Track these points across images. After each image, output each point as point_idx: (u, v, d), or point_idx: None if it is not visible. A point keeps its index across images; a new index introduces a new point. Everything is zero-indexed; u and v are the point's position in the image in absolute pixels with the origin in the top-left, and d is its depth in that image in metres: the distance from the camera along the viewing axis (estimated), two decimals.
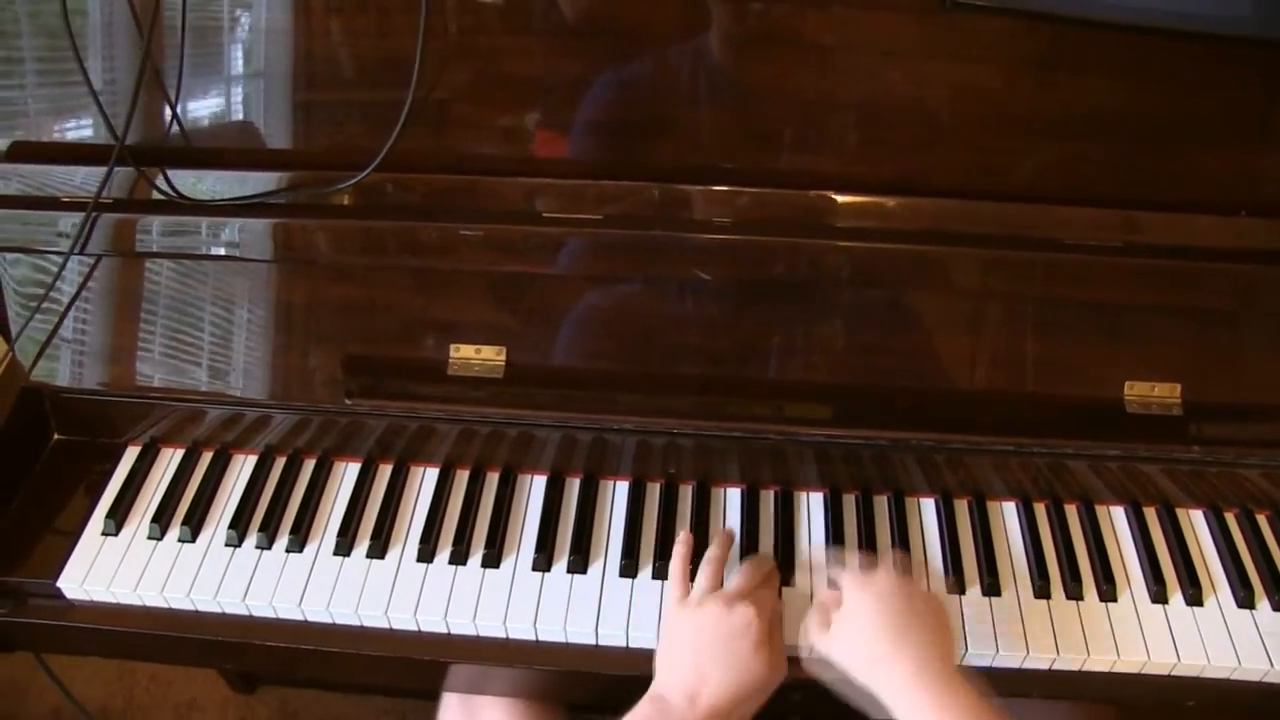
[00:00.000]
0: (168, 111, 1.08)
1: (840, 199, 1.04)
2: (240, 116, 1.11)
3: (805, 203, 1.04)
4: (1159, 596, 1.05)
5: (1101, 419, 1.06)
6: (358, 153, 1.04)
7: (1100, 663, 1.01)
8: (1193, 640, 1.02)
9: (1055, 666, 1.02)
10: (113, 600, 1.06)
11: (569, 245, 1.05)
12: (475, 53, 1.05)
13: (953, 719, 0.86)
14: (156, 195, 1.07)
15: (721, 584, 0.99)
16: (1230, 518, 1.12)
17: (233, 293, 1.10)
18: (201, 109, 1.10)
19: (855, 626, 0.93)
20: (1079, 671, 1.02)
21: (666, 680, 0.94)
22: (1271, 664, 1.00)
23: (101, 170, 1.04)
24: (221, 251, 1.09)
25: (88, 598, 1.06)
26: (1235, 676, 1.01)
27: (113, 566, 1.07)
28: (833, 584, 1.00)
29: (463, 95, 1.06)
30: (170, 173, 1.07)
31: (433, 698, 1.18)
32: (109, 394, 1.13)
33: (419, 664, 1.05)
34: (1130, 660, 1.01)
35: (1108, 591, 1.05)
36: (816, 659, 0.95)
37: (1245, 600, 1.05)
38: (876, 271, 1.06)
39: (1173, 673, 1.02)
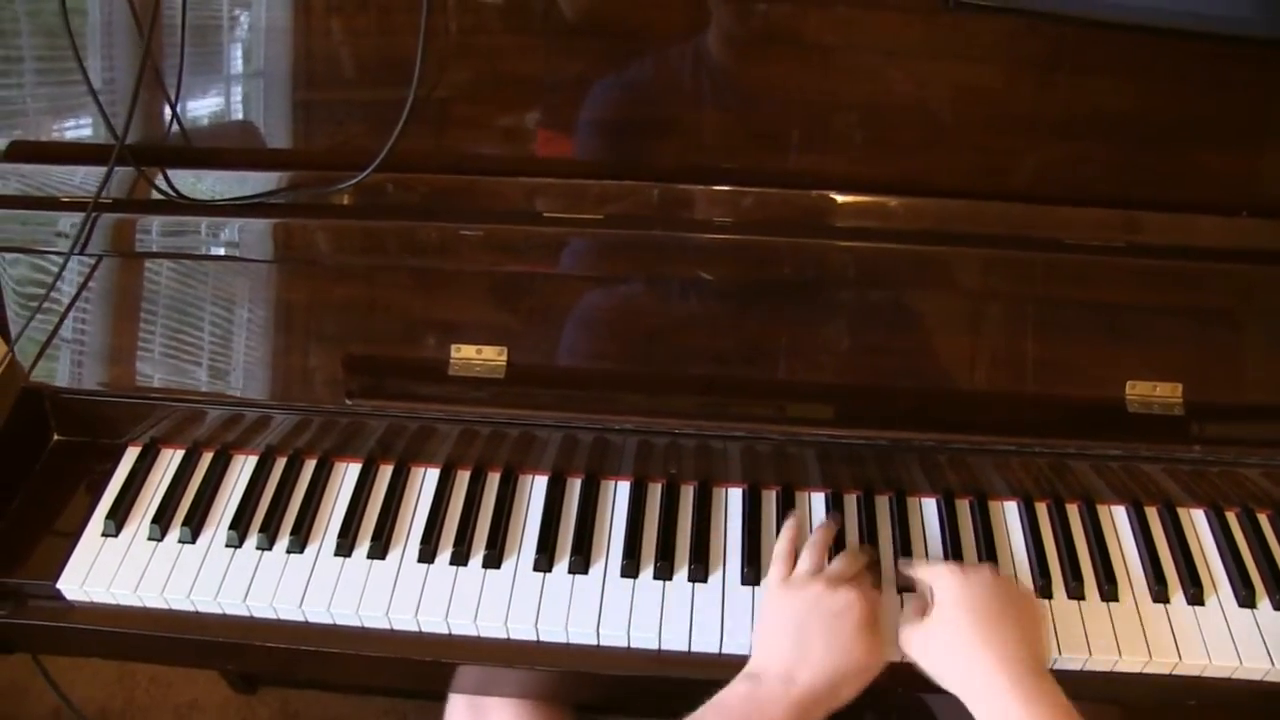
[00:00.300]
0: (168, 111, 1.08)
1: (841, 199, 1.04)
2: (240, 116, 1.10)
3: (806, 203, 1.04)
4: (1160, 596, 1.05)
5: (1103, 419, 1.06)
6: (358, 153, 1.03)
7: (1102, 662, 1.01)
8: (1194, 639, 1.02)
9: (1057, 666, 1.02)
10: (113, 601, 1.06)
11: (570, 245, 1.05)
12: (476, 52, 1.05)
13: (1034, 711, 0.85)
14: (156, 195, 1.06)
15: (823, 569, 1.00)
16: (1231, 517, 1.12)
17: (233, 293, 1.09)
18: (201, 108, 1.10)
19: (947, 619, 0.93)
20: (1081, 671, 1.02)
21: (763, 660, 0.93)
22: (1273, 663, 1.00)
23: (101, 170, 1.04)
24: (221, 251, 1.09)
25: (88, 599, 1.06)
26: (1237, 676, 1.01)
27: (113, 568, 1.06)
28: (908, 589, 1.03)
29: (463, 95, 1.06)
30: (170, 172, 1.07)
31: (435, 698, 1.18)
32: (109, 394, 1.12)
33: (420, 665, 1.05)
34: (1132, 660, 1.01)
35: (1109, 591, 1.05)
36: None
37: (1246, 599, 1.05)
38: (878, 272, 1.06)
39: (1174, 672, 1.02)
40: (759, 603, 1.04)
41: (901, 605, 1.03)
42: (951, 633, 0.92)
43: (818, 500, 1.12)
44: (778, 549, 1.02)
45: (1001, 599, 0.94)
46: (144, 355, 1.10)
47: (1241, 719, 1.10)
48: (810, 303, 1.07)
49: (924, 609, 0.97)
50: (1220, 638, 1.02)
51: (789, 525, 1.04)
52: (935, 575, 0.97)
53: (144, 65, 0.96)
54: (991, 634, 0.90)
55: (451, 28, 1.04)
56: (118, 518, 1.10)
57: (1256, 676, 1.01)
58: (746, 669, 0.93)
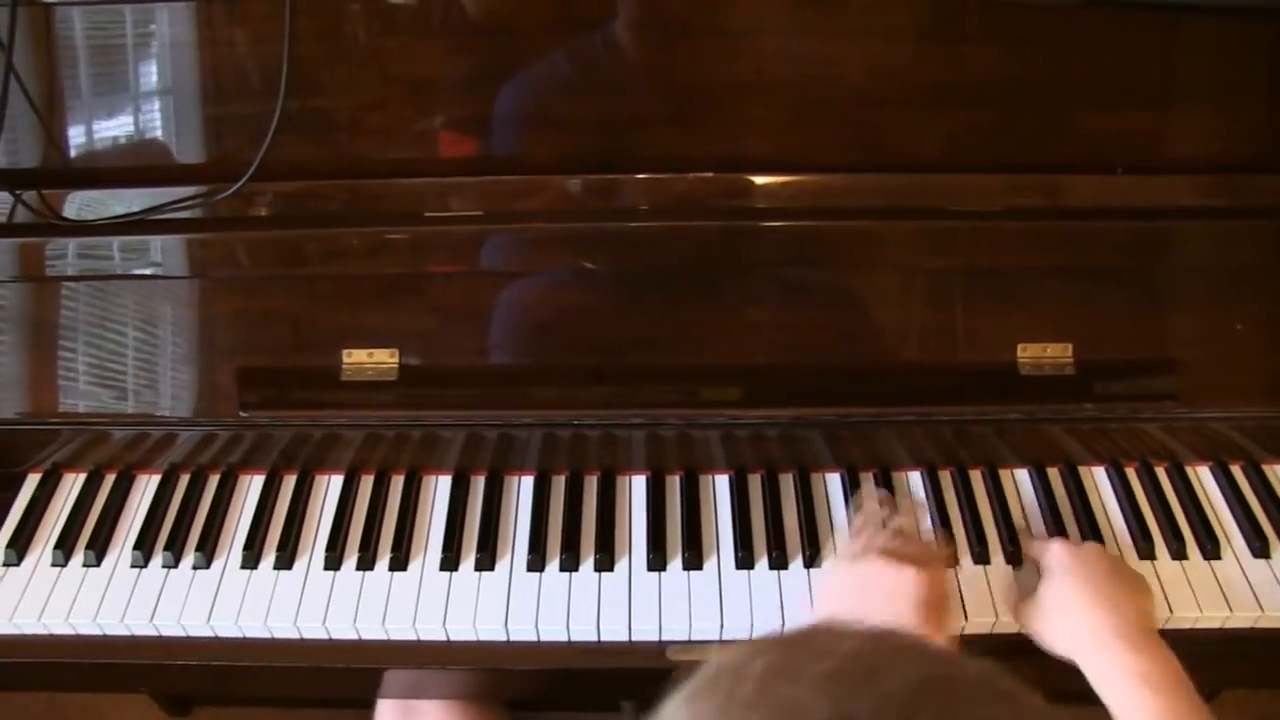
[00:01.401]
0: (47, 133, 1.07)
1: (721, 179, 1.05)
2: (125, 133, 1.10)
3: (687, 186, 1.05)
4: None
5: (997, 383, 1.07)
6: (241, 164, 1.03)
7: (1009, 624, 1.02)
8: None
9: (965, 631, 1.03)
10: (16, 632, 1.04)
11: (453, 244, 1.05)
12: (358, 54, 1.05)
13: (1152, 679, 0.86)
14: (33, 218, 1.05)
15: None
16: (1131, 472, 1.13)
17: (122, 312, 1.08)
18: (82, 128, 1.09)
19: (1057, 585, 0.95)
20: (989, 634, 1.02)
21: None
22: (1171, 611, 1.01)
23: None
24: (109, 271, 1.08)
25: None
26: None
27: (14, 598, 1.05)
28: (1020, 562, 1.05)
29: (342, 99, 1.06)
30: (54, 194, 1.06)
31: (369, 706, 1.17)
32: (5, 423, 1.11)
33: (338, 672, 1.05)
34: None
35: (1012, 554, 1.06)
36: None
37: (1147, 552, 1.06)
38: (763, 251, 1.07)
39: None
40: (664, 588, 1.04)
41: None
42: (1063, 597, 0.95)
43: (721, 482, 1.12)
44: (854, 524, 1.03)
45: (1108, 566, 0.97)
46: (38, 381, 1.09)
47: None
48: (701, 286, 1.07)
49: (1033, 583, 0.99)
50: None
51: (867, 497, 1.06)
52: (1045, 549, 1.00)
53: (5, 85, 0.94)
54: (1102, 596, 0.93)
55: (333, 31, 1.04)
56: (19, 546, 1.08)
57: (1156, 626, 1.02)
58: None
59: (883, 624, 0.87)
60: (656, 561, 1.05)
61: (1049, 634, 0.95)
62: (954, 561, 1.06)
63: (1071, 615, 0.94)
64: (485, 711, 1.17)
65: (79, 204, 1.07)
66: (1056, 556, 0.98)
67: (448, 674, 1.06)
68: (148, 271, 1.07)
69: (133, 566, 1.07)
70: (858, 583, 0.95)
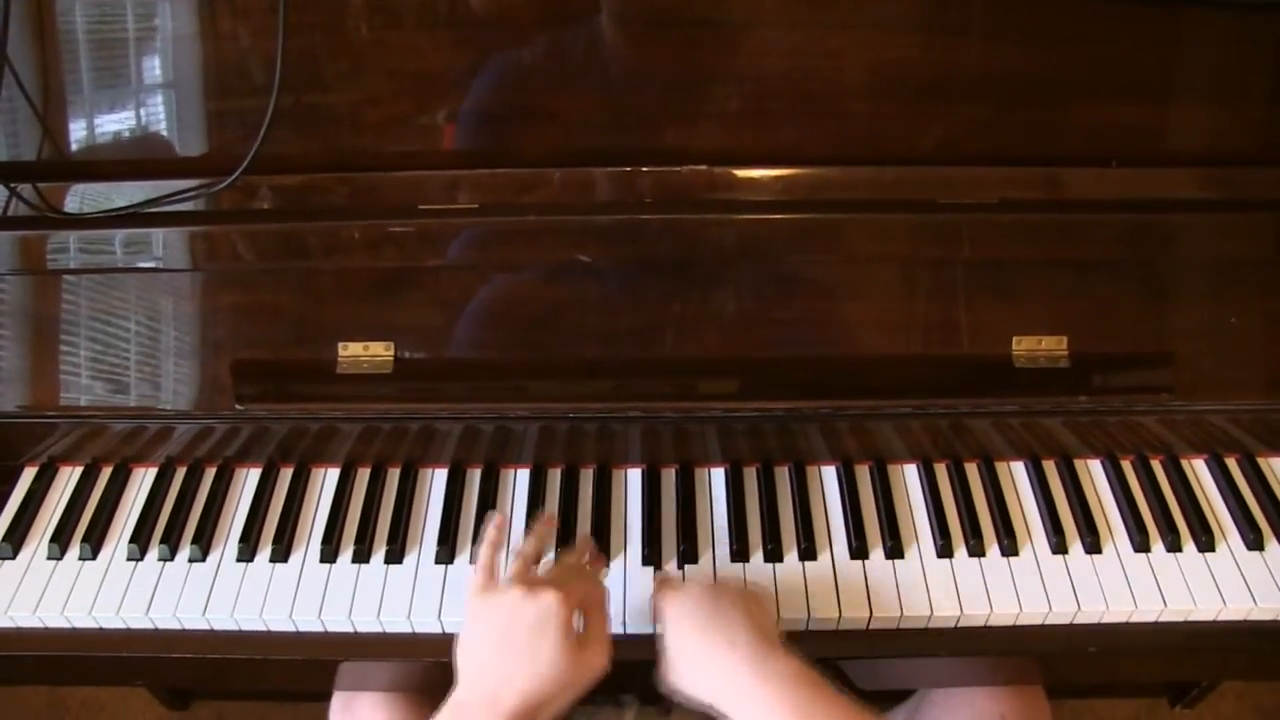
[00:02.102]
0: (45, 124, 1.07)
1: (717, 173, 1.05)
2: (123, 126, 1.10)
3: (682, 179, 1.05)
4: (1059, 547, 1.06)
5: (992, 376, 1.07)
6: (236, 158, 1.03)
7: (1004, 617, 1.03)
8: (1093, 588, 1.04)
9: (961, 624, 1.03)
10: (11, 625, 1.04)
11: (449, 236, 1.05)
12: (352, 48, 1.05)
13: (772, 688, 0.85)
14: (30, 211, 1.05)
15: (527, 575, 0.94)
16: (1126, 464, 1.13)
17: (120, 305, 1.08)
18: (77, 121, 1.09)
19: (674, 639, 0.91)
20: (984, 628, 1.03)
21: (466, 683, 0.87)
22: (1165, 604, 1.02)
23: None
24: (105, 264, 1.08)
25: None
26: (1134, 619, 1.03)
27: (10, 591, 1.05)
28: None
29: (336, 93, 1.06)
30: (51, 186, 1.06)
31: (324, 698, 1.17)
32: (4, 416, 1.11)
33: (335, 665, 1.05)
34: (1033, 612, 1.02)
35: (1009, 546, 1.06)
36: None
37: (1141, 545, 1.06)
38: (762, 244, 1.07)
39: (1074, 620, 1.03)
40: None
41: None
42: (683, 649, 0.90)
43: (717, 475, 1.12)
44: (479, 556, 0.94)
45: (713, 599, 0.92)
46: (36, 374, 1.09)
47: (1143, 662, 1.11)
48: (699, 278, 1.07)
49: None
50: (1117, 585, 1.04)
51: (492, 527, 0.97)
52: (658, 603, 0.94)
53: None
54: (716, 633, 0.89)
55: (330, 24, 1.04)
56: (14, 540, 1.08)
57: (1151, 618, 1.03)
58: (452, 696, 0.87)
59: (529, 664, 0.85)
60: (652, 555, 1.05)
61: (684, 687, 0.89)
62: (603, 562, 1.04)
63: (694, 663, 0.89)
64: (419, 701, 1.12)
65: (77, 197, 1.07)
66: (664, 605, 0.93)
67: (420, 664, 1.05)
68: (144, 264, 1.07)
69: (128, 560, 1.08)
70: (497, 621, 0.88)
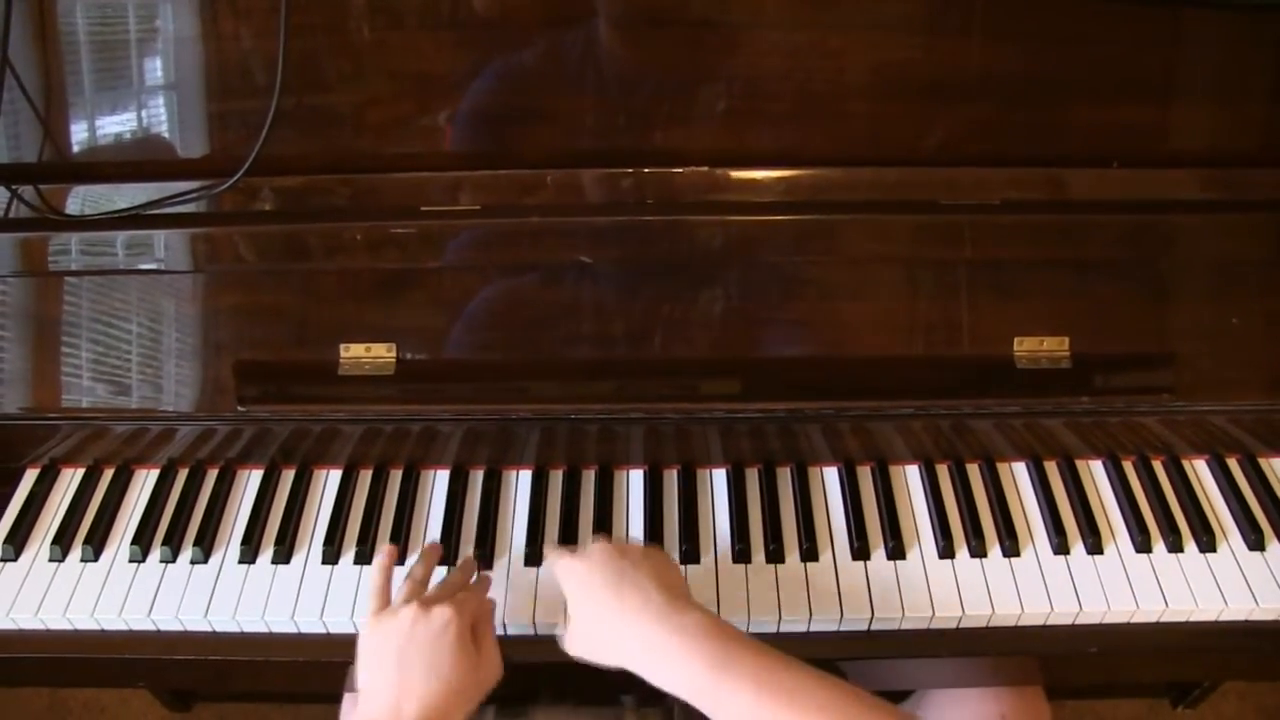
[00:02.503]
0: (46, 126, 1.07)
1: (719, 174, 1.05)
2: (124, 128, 1.10)
3: (684, 180, 1.05)
4: (1061, 548, 1.07)
5: (994, 376, 1.07)
6: (237, 160, 1.03)
7: (1005, 617, 1.03)
8: (1094, 588, 1.04)
9: (962, 624, 1.03)
10: (14, 627, 1.04)
11: (450, 237, 1.05)
12: (353, 49, 1.05)
13: (686, 639, 0.84)
14: (32, 213, 1.05)
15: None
16: (1128, 465, 1.13)
17: (122, 307, 1.08)
18: (83, 122, 1.09)
19: (582, 605, 0.91)
20: (985, 628, 1.03)
21: (368, 698, 0.89)
22: (1167, 605, 1.02)
23: None
24: (107, 266, 1.08)
25: None
26: (1135, 620, 1.03)
27: (12, 593, 1.05)
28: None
29: (337, 93, 1.06)
30: (52, 188, 1.07)
31: (335, 700, 1.17)
32: (3, 418, 1.10)
33: (338, 667, 1.03)
34: (1035, 613, 1.02)
35: (1010, 547, 1.06)
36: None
37: (1143, 545, 1.07)
38: (764, 245, 1.07)
39: (1076, 621, 1.03)
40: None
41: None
42: (593, 615, 0.90)
43: (719, 476, 1.13)
44: (370, 582, 0.97)
45: (619, 559, 0.91)
46: (38, 376, 1.09)
47: (1145, 663, 1.11)
48: (700, 279, 1.07)
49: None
50: (1119, 585, 1.04)
51: (381, 553, 0.99)
52: (558, 570, 0.94)
53: (0, 78, 0.94)
54: (626, 593, 0.88)
55: (332, 25, 1.04)
56: (16, 541, 1.08)
57: (1152, 619, 1.03)
58: (356, 712, 0.89)
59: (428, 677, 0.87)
60: None
61: (605, 656, 0.89)
62: (489, 581, 1.03)
63: (606, 625, 0.88)
64: None
65: (79, 198, 1.07)
66: (566, 571, 0.93)
67: None
68: (145, 266, 1.07)
69: (131, 561, 1.08)
70: (393, 641, 0.89)
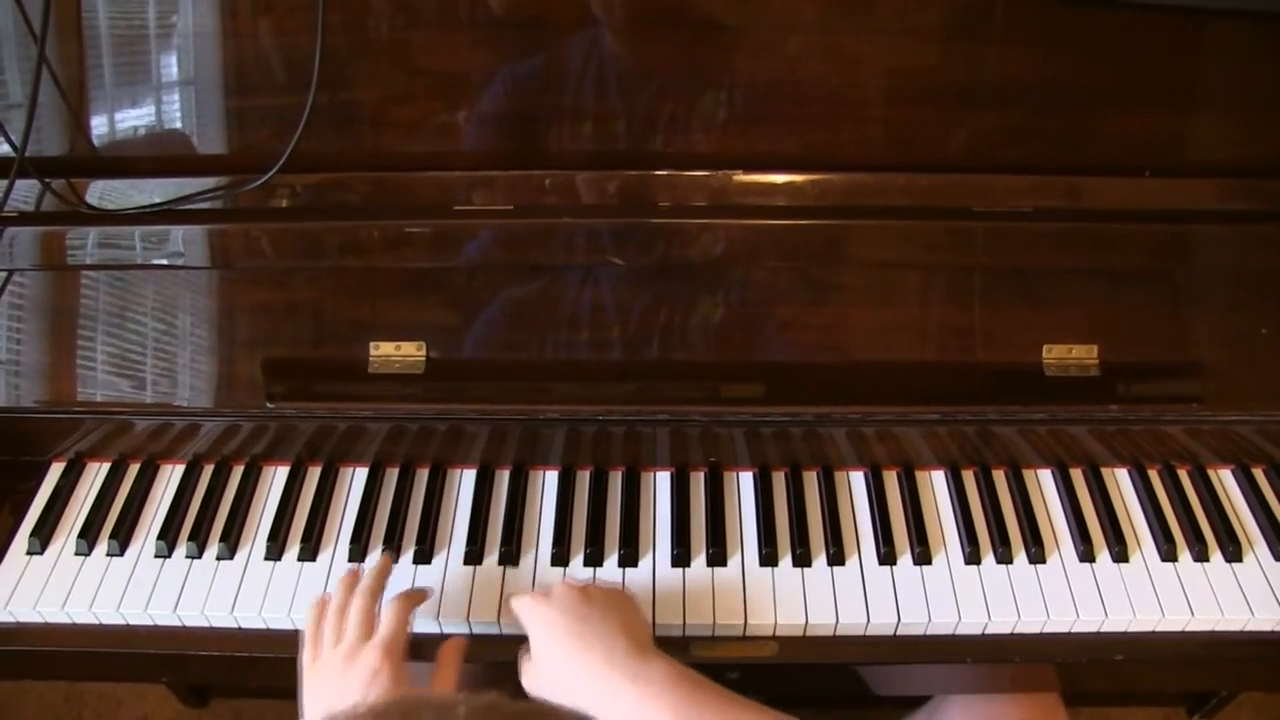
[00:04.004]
0: (74, 121, 1.07)
1: (749, 178, 1.05)
2: (150, 123, 1.10)
3: (715, 183, 1.05)
4: (1086, 555, 1.07)
5: (1022, 384, 1.07)
6: (270, 156, 1.03)
7: (1031, 624, 1.03)
8: (1119, 596, 1.04)
9: (988, 631, 1.03)
10: (40, 620, 1.04)
11: (483, 237, 1.05)
12: (385, 48, 1.05)
13: (652, 688, 0.84)
14: (63, 207, 1.06)
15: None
16: (1153, 474, 1.13)
17: (150, 302, 1.08)
18: (109, 117, 1.09)
19: (541, 646, 0.91)
20: (1011, 635, 1.03)
21: None
22: (1192, 614, 1.02)
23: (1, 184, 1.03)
24: (134, 260, 1.08)
25: (13, 620, 1.04)
26: (1160, 628, 1.03)
27: (38, 586, 1.05)
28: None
29: (371, 92, 1.06)
30: (79, 182, 1.07)
31: None
32: (29, 411, 1.11)
33: None
34: (1060, 620, 1.02)
35: (1036, 554, 1.06)
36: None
37: (1168, 554, 1.07)
38: (793, 249, 1.07)
39: (1101, 629, 1.03)
40: (688, 584, 1.04)
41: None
42: (556, 659, 0.89)
43: (746, 479, 1.13)
44: (306, 631, 0.95)
45: (585, 605, 0.91)
46: (64, 370, 1.09)
47: (1165, 671, 1.11)
48: (730, 283, 1.07)
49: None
50: (1144, 593, 1.04)
51: (314, 605, 0.97)
52: (521, 612, 0.94)
53: (38, 74, 0.95)
54: (590, 640, 0.88)
55: (358, 24, 1.04)
56: (43, 535, 1.08)
57: (1178, 628, 1.03)
58: None
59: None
60: (680, 558, 1.06)
61: (558, 694, 0.88)
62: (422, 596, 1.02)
63: (567, 672, 0.88)
64: None
65: (109, 194, 1.07)
66: (530, 613, 0.92)
67: (470, 667, 1.05)
68: (175, 262, 1.07)
69: (156, 557, 1.08)
70: (330, 692, 0.90)
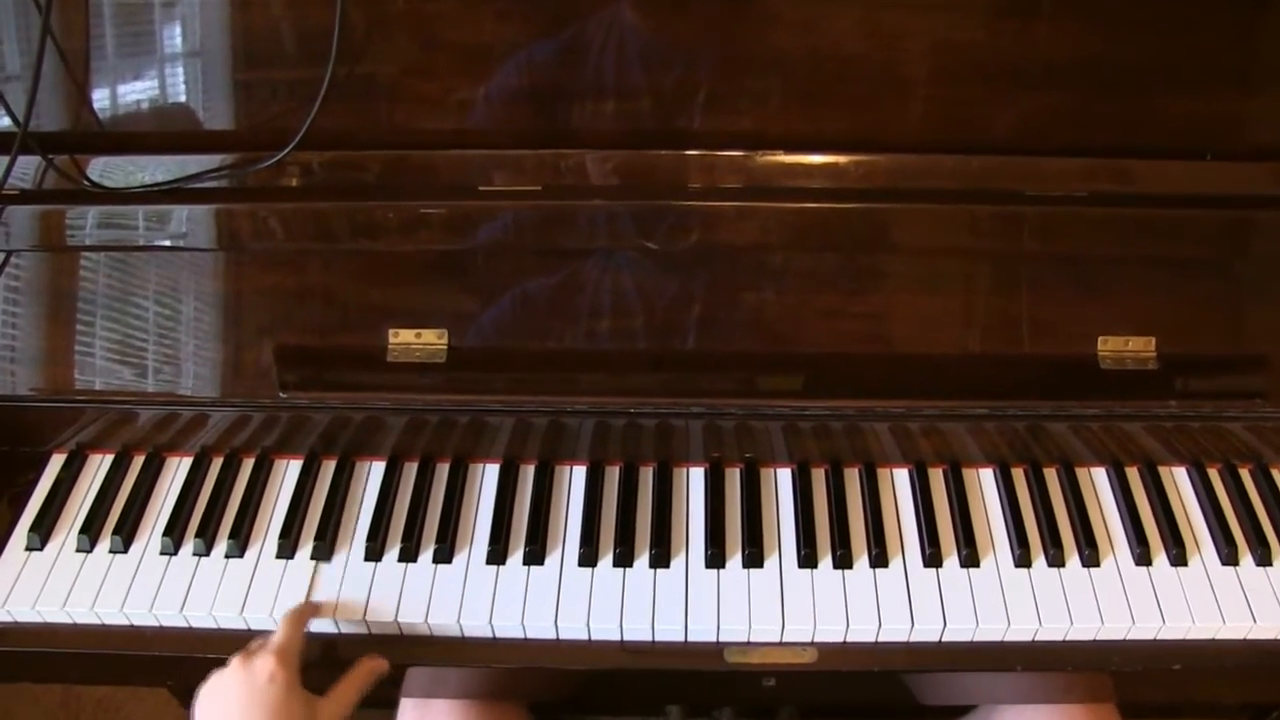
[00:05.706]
0: (78, 95, 1.02)
1: (792, 159, 1.00)
2: (158, 98, 1.05)
3: (756, 164, 1.00)
4: (1143, 559, 1.01)
5: (1075, 377, 1.02)
6: (285, 133, 0.98)
7: (1084, 631, 0.97)
8: (1177, 602, 0.98)
9: (1039, 638, 0.98)
10: (39, 620, 0.99)
11: (508, 219, 1.00)
12: (404, 21, 1.00)
13: None
14: (67, 184, 1.01)
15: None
16: (1213, 473, 1.08)
17: (157, 285, 1.03)
18: (115, 91, 1.04)
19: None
20: (1063, 641, 0.98)
21: None
22: (1255, 621, 0.97)
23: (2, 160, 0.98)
24: (140, 241, 1.03)
25: (11, 619, 0.99)
26: (1220, 636, 0.98)
27: (38, 584, 1.00)
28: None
29: (391, 67, 1.01)
30: (81, 159, 1.02)
31: (387, 705, 1.12)
32: (28, 399, 1.06)
33: None
34: (1115, 626, 0.97)
35: (1090, 556, 1.01)
36: None
37: (1229, 557, 1.01)
38: (835, 234, 1.02)
39: (1159, 636, 0.98)
40: (723, 586, 0.99)
41: None
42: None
43: (784, 476, 1.07)
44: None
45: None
46: (65, 356, 1.04)
47: (1225, 682, 1.06)
48: (768, 269, 1.02)
49: None
50: (1204, 598, 0.99)
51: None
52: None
53: (41, 47, 0.90)
54: None
55: None
56: (42, 530, 1.03)
57: (1239, 635, 0.98)
58: None
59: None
60: (715, 558, 1.00)
61: None
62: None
63: None
64: (505, 711, 1.12)
65: (116, 170, 1.02)
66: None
67: (481, 671, 1.01)
68: (182, 243, 1.02)
69: (162, 554, 1.03)
70: (216, 699, 0.89)
